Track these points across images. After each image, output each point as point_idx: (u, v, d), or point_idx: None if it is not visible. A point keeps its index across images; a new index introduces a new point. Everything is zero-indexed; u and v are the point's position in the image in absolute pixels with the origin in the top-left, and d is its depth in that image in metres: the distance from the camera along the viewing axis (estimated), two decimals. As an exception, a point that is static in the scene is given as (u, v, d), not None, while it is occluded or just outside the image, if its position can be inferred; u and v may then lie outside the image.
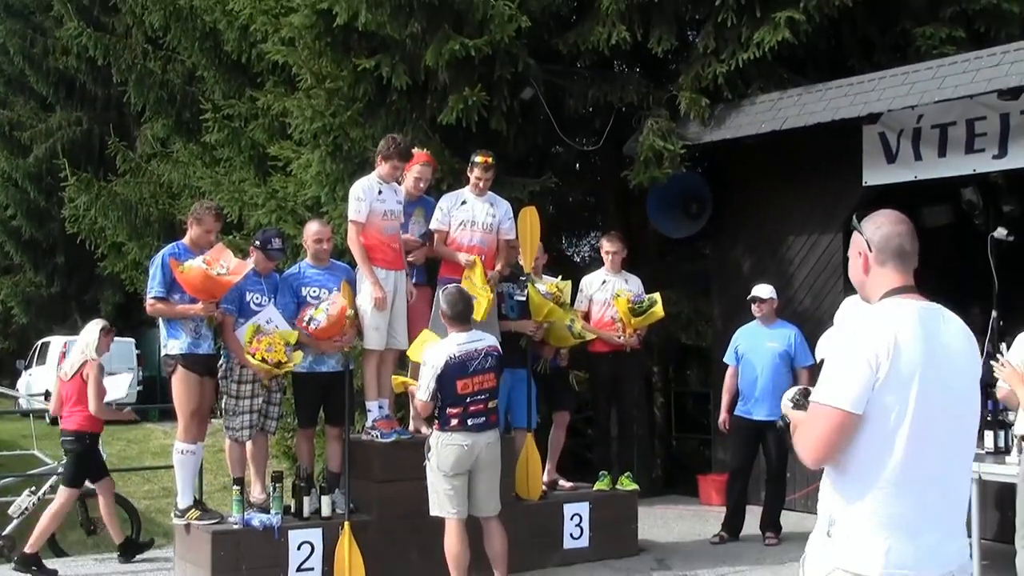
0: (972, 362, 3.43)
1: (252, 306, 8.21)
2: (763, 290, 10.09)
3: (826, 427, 3.29)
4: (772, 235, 11.88)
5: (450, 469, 7.48)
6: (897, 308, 3.35)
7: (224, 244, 8.49)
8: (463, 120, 10.97)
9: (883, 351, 3.22)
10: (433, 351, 7.56)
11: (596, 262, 10.89)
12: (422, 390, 7.54)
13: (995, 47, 9.76)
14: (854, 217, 3.59)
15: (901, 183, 10.49)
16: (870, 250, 3.47)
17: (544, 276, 9.71)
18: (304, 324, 8.17)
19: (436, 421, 7.60)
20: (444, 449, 7.48)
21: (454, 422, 7.46)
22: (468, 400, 7.47)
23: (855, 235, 3.55)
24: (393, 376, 8.47)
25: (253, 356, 7.90)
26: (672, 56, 12.27)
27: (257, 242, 8.41)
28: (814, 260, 11.37)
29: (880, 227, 3.48)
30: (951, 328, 3.40)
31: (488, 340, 7.71)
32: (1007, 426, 7.86)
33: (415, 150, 8.98)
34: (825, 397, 3.30)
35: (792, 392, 3.73)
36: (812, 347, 9.28)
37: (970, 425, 3.43)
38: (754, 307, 10.10)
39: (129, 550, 9.54)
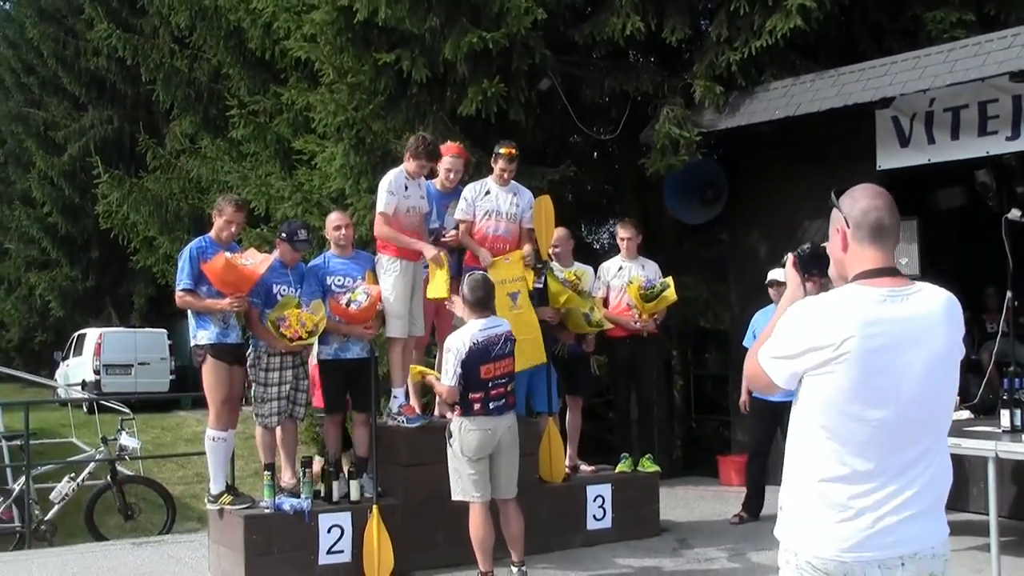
0: (932, 341, 3.24)
1: (279, 298, 8.33)
2: (779, 273, 10.15)
3: (759, 376, 3.38)
4: (787, 220, 11.91)
5: (474, 453, 7.57)
6: (848, 295, 3.23)
7: (252, 239, 8.59)
8: (482, 111, 11.14)
9: (817, 339, 3.17)
10: (455, 337, 7.64)
11: (614, 249, 11.01)
12: (447, 376, 7.58)
13: (1005, 30, 9.79)
14: (832, 193, 3.41)
15: (915, 166, 10.55)
16: (848, 226, 3.30)
17: (575, 263, 9.85)
18: (344, 306, 8.29)
19: (458, 407, 7.65)
20: (467, 434, 7.56)
21: (476, 407, 7.54)
22: (490, 385, 7.55)
23: (834, 211, 3.38)
24: (412, 366, 8.63)
25: (290, 338, 8.04)
26: (686, 45, 12.35)
27: (283, 234, 8.51)
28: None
29: (857, 201, 3.31)
30: (912, 310, 3.23)
31: (505, 325, 7.81)
32: (1023, 404, 7.84)
33: (447, 143, 9.07)
34: (763, 359, 3.35)
35: (802, 248, 3.67)
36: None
37: (930, 407, 3.26)
38: (771, 291, 10.16)
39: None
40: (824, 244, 3.53)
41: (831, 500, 3.20)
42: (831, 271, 3.49)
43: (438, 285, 8.48)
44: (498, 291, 8.36)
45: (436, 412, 9.14)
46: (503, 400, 7.65)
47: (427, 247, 8.50)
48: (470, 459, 7.58)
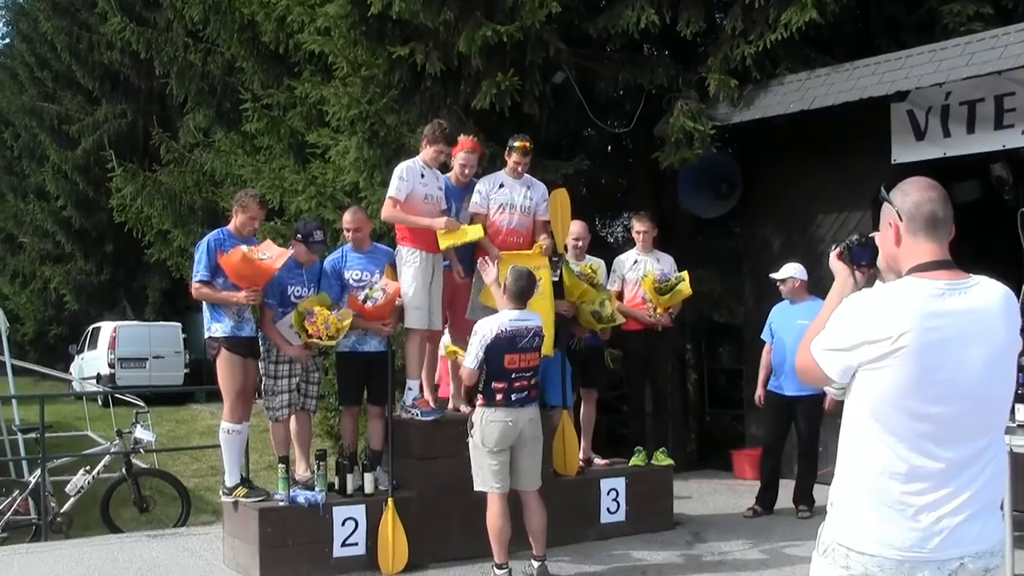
0: (992, 335, 3.18)
1: (293, 299, 8.35)
2: (783, 272, 10.18)
3: (811, 368, 3.33)
4: (801, 213, 11.94)
5: (495, 445, 7.57)
6: (905, 289, 3.18)
7: (267, 232, 8.58)
8: (496, 105, 11.11)
9: (873, 333, 3.12)
10: (485, 322, 7.65)
11: (629, 242, 11.01)
12: (470, 357, 7.60)
13: (1023, 23, 9.74)
14: (882, 188, 3.39)
15: (930, 160, 10.49)
16: (900, 219, 3.26)
17: (587, 256, 9.83)
18: (360, 302, 8.28)
19: (480, 396, 7.66)
20: (488, 425, 7.56)
21: (499, 397, 7.54)
22: (513, 376, 7.56)
23: (885, 206, 3.34)
24: (447, 344, 8.57)
25: (315, 337, 8.06)
26: (701, 38, 12.33)
27: (299, 234, 8.47)
28: (843, 238, 11.40)
29: (909, 194, 3.27)
30: (970, 303, 3.17)
31: (536, 320, 7.83)
32: (1040, 399, 7.80)
33: (460, 136, 9.02)
34: (816, 351, 3.30)
35: (850, 239, 3.66)
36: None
37: (989, 403, 3.20)
38: (780, 287, 10.22)
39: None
40: (872, 234, 3.51)
41: (887, 497, 3.15)
42: (880, 264, 3.46)
43: (466, 232, 8.51)
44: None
45: (450, 405, 9.15)
46: (526, 393, 7.66)
47: (435, 220, 8.43)
48: (491, 451, 7.59)
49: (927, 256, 3.23)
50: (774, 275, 10.23)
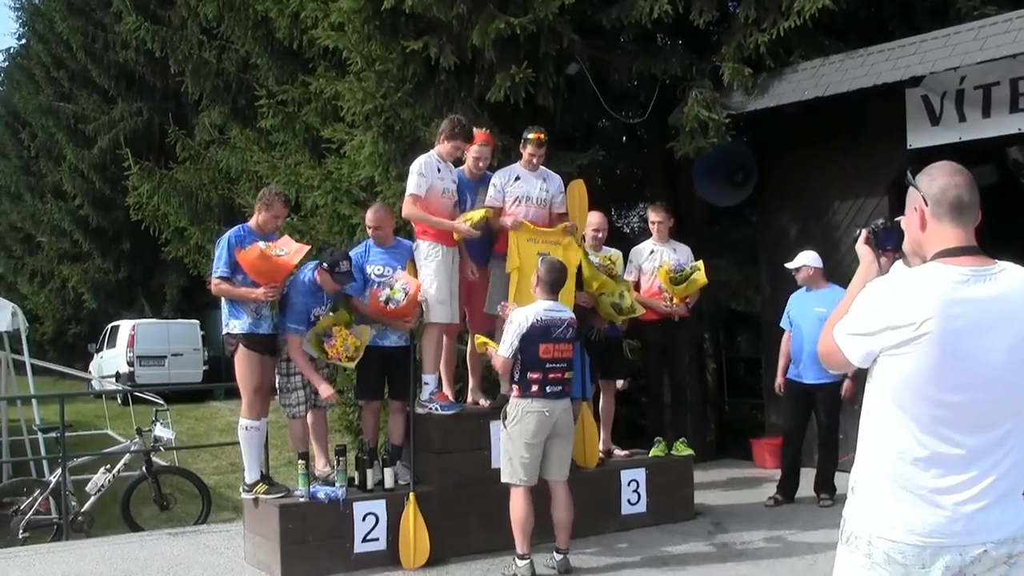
0: (1017, 322, 3.13)
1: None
2: (796, 260, 10.17)
3: (833, 353, 3.33)
4: (818, 201, 11.91)
5: (531, 436, 7.58)
6: (929, 275, 3.15)
7: (283, 229, 8.56)
8: (511, 97, 11.10)
9: (896, 318, 3.10)
10: (520, 312, 7.69)
11: (645, 233, 10.99)
12: (505, 346, 7.63)
13: (1037, 6, 9.68)
14: (908, 173, 3.36)
15: (946, 145, 10.46)
16: (926, 204, 3.24)
17: (604, 248, 9.80)
18: (383, 304, 8.28)
19: (516, 387, 7.67)
20: (526, 416, 7.58)
21: (535, 388, 7.56)
22: (547, 366, 7.58)
23: (910, 191, 3.32)
24: (477, 335, 8.58)
25: (335, 359, 8.12)
26: (714, 27, 12.27)
27: (324, 264, 8.27)
28: (861, 224, 11.38)
29: (935, 179, 3.24)
30: (995, 290, 3.14)
31: (569, 313, 7.86)
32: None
33: (474, 130, 8.98)
34: (839, 336, 3.29)
35: (876, 223, 3.60)
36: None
37: (1012, 390, 3.14)
38: (795, 276, 10.20)
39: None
40: (898, 218, 3.49)
41: (909, 483, 3.14)
42: (906, 248, 3.44)
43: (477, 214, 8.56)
44: (528, 249, 8.58)
45: (469, 399, 9.17)
46: (560, 386, 7.69)
47: (455, 224, 8.50)
48: (527, 442, 7.61)
49: (952, 241, 3.20)
50: (788, 264, 10.22)
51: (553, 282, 7.72)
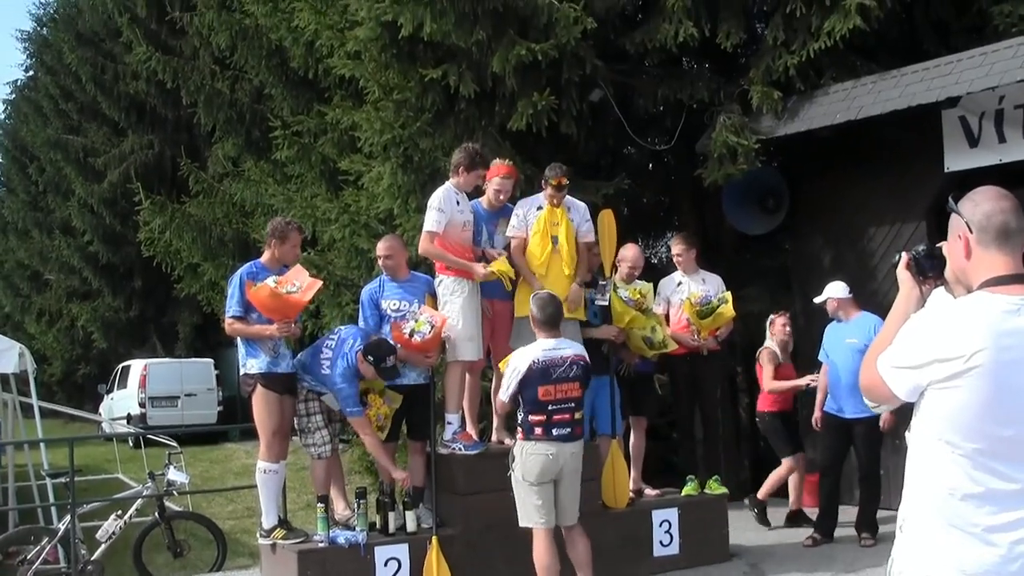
0: None
1: None
2: (823, 294, 9.97)
3: (877, 386, 3.23)
4: (852, 227, 11.66)
5: (535, 479, 7.39)
6: (978, 305, 3.07)
7: (299, 263, 8.42)
8: (533, 125, 10.93)
9: (945, 351, 3.02)
10: (519, 354, 7.52)
11: (673, 264, 10.76)
12: (503, 390, 7.54)
13: (1078, 22, 9.51)
14: (950, 198, 3.28)
15: (985, 167, 10.18)
16: (971, 231, 3.16)
17: (636, 281, 9.53)
18: (407, 337, 8.07)
19: (520, 430, 7.53)
20: (528, 459, 7.40)
21: (538, 431, 7.37)
22: (551, 408, 7.37)
23: (953, 217, 3.24)
24: (501, 363, 8.36)
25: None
26: (741, 50, 12.12)
27: (370, 356, 7.95)
28: (897, 251, 11.09)
29: (979, 204, 3.17)
30: None
31: (575, 348, 7.62)
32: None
33: (495, 161, 8.84)
34: (883, 369, 3.19)
35: (917, 249, 3.50)
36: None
37: None
38: (828, 308, 9.97)
39: None
40: (940, 244, 3.38)
41: (961, 520, 3.05)
42: (948, 276, 3.34)
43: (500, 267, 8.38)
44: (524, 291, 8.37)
45: (493, 438, 8.96)
46: (568, 429, 7.44)
47: (475, 267, 8.34)
48: (532, 484, 7.41)
49: (1000, 269, 3.13)
50: (816, 299, 10.06)
51: (549, 318, 7.48)
